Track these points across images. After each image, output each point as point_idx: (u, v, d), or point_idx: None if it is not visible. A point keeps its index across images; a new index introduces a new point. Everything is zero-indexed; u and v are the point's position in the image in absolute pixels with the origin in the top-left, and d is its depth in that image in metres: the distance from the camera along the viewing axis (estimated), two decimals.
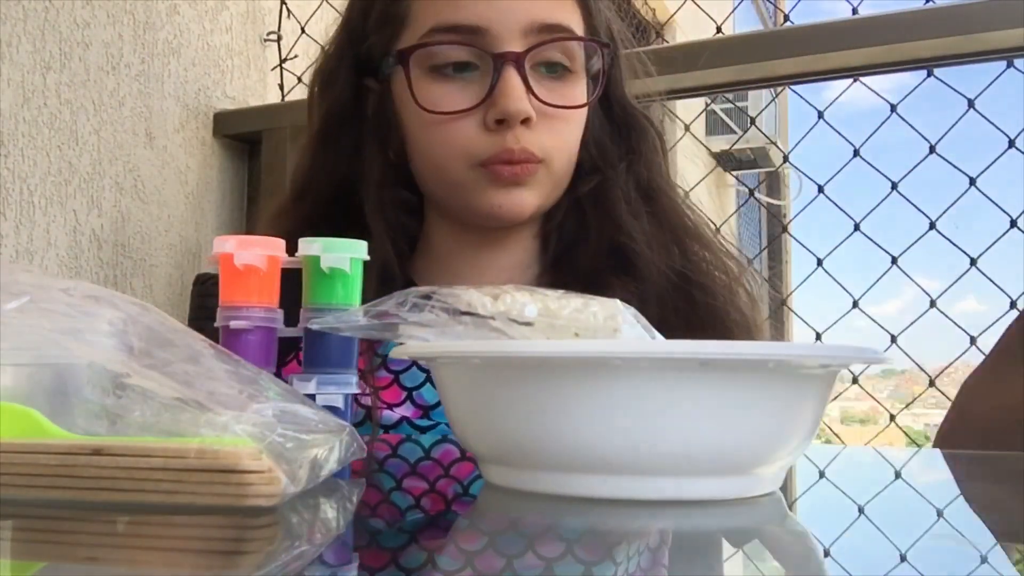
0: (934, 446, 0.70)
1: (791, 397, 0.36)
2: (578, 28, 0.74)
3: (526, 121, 0.70)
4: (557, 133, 0.73)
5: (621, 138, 0.81)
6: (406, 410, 0.71)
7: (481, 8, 0.70)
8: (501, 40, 0.70)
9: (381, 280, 0.75)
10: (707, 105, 1.60)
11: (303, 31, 1.45)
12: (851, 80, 1.09)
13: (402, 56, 0.74)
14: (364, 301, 0.73)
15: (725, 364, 0.34)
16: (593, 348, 0.35)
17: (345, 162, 0.79)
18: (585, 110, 0.77)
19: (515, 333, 0.37)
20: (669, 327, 0.71)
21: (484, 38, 0.71)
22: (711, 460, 0.35)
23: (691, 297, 0.75)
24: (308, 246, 0.47)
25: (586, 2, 0.76)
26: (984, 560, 0.29)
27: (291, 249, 0.86)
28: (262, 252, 0.46)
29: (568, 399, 0.34)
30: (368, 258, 0.49)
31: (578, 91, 0.75)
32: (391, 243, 0.76)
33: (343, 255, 0.47)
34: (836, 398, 0.78)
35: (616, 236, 0.76)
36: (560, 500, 0.36)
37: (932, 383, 1.17)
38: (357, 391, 0.47)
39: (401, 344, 0.39)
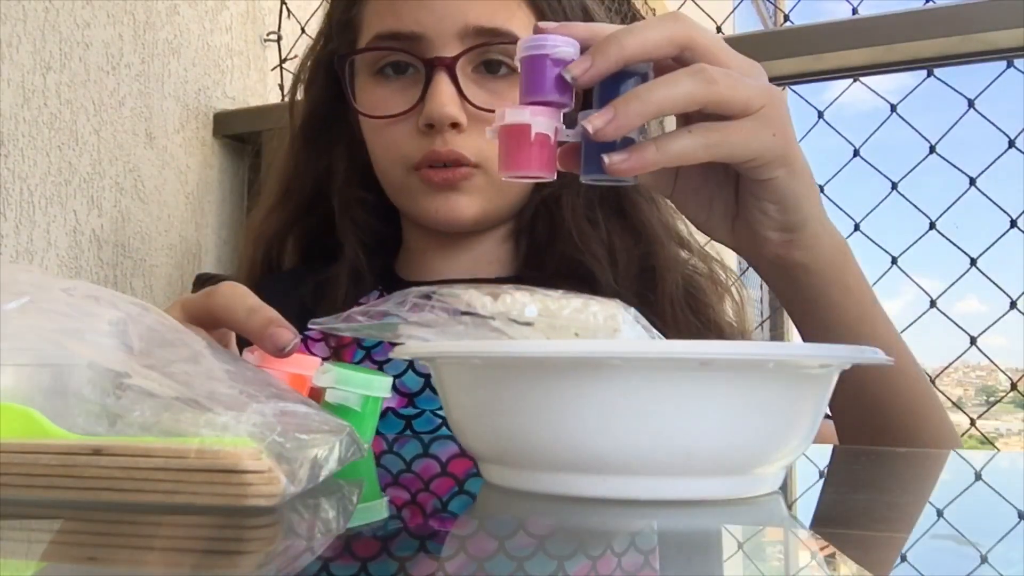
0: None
1: (791, 397, 0.36)
2: (525, 29, 0.73)
3: (457, 126, 0.70)
4: None
5: None
6: (390, 401, 0.71)
7: (419, 15, 0.71)
8: (436, 46, 0.71)
9: (353, 280, 0.75)
10: None
11: (303, 31, 1.45)
12: (851, 80, 1.09)
13: (341, 61, 0.75)
14: (339, 301, 0.74)
15: (725, 364, 0.34)
16: (593, 348, 0.35)
17: (323, 164, 0.80)
18: None
19: (515, 333, 0.37)
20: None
21: (421, 44, 0.71)
22: (711, 460, 0.35)
23: (657, 304, 0.73)
24: (321, 376, 0.45)
25: (537, 3, 0.74)
26: (984, 560, 0.29)
27: (274, 250, 0.85)
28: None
29: (567, 399, 0.34)
30: (388, 395, 0.47)
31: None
32: (360, 244, 0.77)
33: (352, 391, 0.44)
34: None
35: (568, 250, 0.75)
36: (559, 500, 0.36)
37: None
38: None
39: (401, 344, 0.39)
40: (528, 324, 0.37)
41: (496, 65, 0.73)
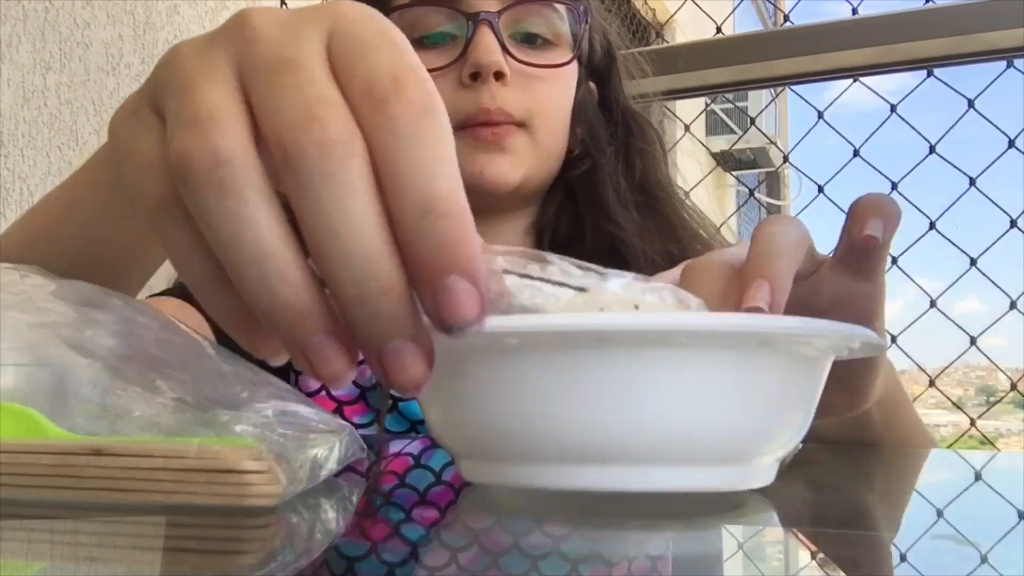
0: None
1: (783, 378, 0.34)
2: (560, 7, 0.75)
3: (501, 78, 0.71)
4: (536, 94, 0.73)
5: (617, 131, 0.82)
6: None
7: None
8: (477, 5, 0.72)
9: None
10: (707, 105, 1.60)
11: None
12: (851, 80, 1.09)
13: None
14: None
15: (712, 337, 0.31)
16: (564, 322, 0.31)
17: None
18: (571, 80, 0.77)
19: (560, 295, 0.33)
20: None
21: (461, 4, 0.72)
22: (698, 446, 0.33)
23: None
24: None
25: None
26: (984, 560, 0.29)
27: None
28: None
29: (540, 380, 0.31)
30: None
31: (559, 60, 0.75)
32: None
33: None
34: None
35: (604, 225, 0.76)
36: (541, 498, 0.35)
37: (932, 383, 1.17)
38: None
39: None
40: (582, 290, 0.34)
41: (534, 37, 0.74)
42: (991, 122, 1.07)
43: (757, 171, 5.26)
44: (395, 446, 0.60)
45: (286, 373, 0.73)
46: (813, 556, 0.31)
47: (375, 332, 0.26)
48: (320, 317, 0.26)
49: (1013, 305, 1.07)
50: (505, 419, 0.33)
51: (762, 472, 0.36)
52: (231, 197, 0.26)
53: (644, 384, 0.31)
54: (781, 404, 0.34)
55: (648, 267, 0.74)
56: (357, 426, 0.66)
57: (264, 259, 0.26)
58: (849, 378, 0.48)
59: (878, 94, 1.13)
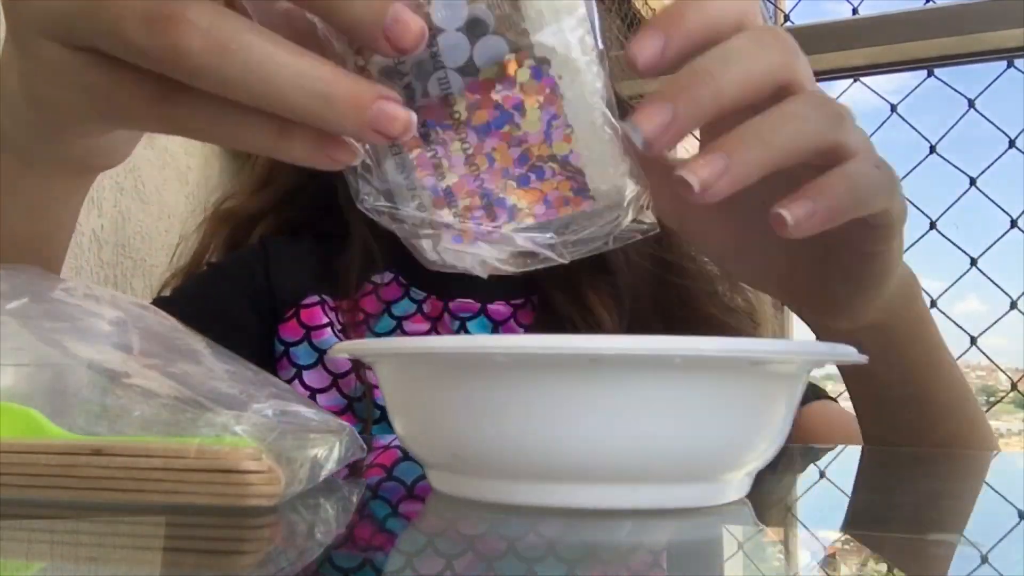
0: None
1: (759, 397, 0.33)
2: None
3: None
4: None
5: None
6: None
7: None
8: None
9: (364, 260, 0.75)
10: None
11: None
12: (851, 80, 1.10)
13: None
14: (347, 281, 0.73)
15: (693, 363, 0.31)
16: (544, 344, 0.30)
17: None
18: None
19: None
20: (645, 321, 0.71)
21: None
22: (670, 466, 0.32)
23: (672, 289, 0.72)
24: None
25: None
26: (984, 560, 0.29)
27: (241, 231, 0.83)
28: None
29: (513, 399, 0.31)
30: None
31: None
32: (368, 226, 0.75)
33: None
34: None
35: None
36: (511, 511, 0.34)
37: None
38: None
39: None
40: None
41: None
42: (991, 122, 1.07)
43: None
44: (384, 439, 0.60)
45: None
46: (813, 556, 0.31)
47: (368, 16, 0.28)
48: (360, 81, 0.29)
49: (1013, 305, 1.07)
50: (484, 437, 0.32)
51: (733, 487, 0.35)
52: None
53: (628, 405, 0.31)
54: (761, 421, 0.33)
55: (634, 274, 0.73)
56: None
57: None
58: (855, 264, 0.43)
59: (878, 94, 1.13)
